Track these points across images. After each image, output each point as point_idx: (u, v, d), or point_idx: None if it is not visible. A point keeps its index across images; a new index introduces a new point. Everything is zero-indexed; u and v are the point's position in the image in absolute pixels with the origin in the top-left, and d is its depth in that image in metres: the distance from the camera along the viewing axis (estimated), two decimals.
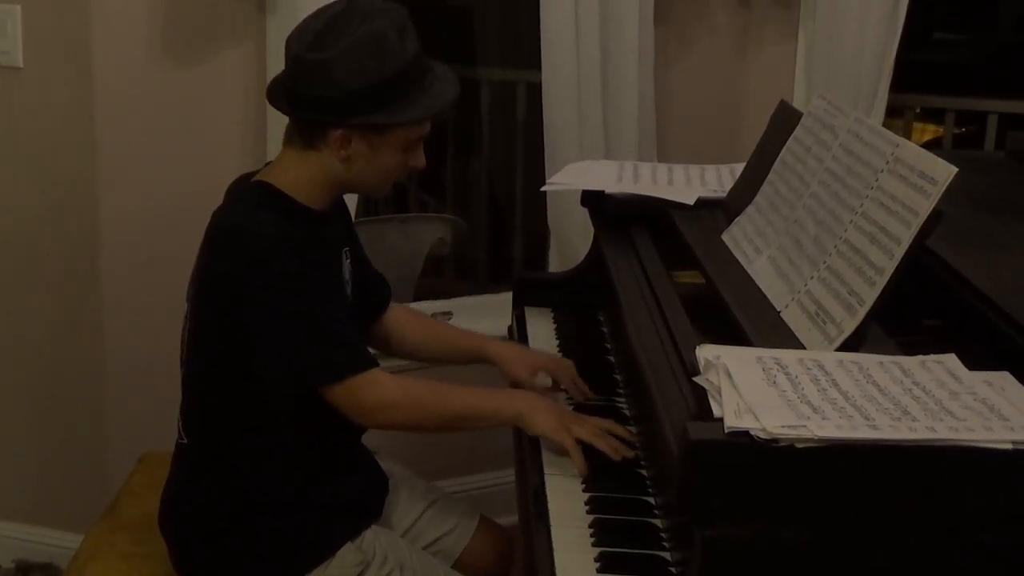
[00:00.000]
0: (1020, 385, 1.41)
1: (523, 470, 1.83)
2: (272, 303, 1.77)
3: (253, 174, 1.94)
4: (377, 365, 1.83)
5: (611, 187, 2.31)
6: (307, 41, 1.80)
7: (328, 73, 1.78)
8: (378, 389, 1.81)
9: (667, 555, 1.52)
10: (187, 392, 1.94)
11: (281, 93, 1.87)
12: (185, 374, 1.94)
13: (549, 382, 2.06)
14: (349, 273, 2.00)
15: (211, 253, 1.84)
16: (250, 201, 1.85)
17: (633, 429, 1.83)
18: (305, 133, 1.85)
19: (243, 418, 1.86)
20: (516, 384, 2.06)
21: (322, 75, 1.78)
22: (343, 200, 2.02)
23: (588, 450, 1.76)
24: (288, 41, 1.83)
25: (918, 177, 1.52)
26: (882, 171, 1.61)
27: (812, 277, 1.64)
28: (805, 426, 1.26)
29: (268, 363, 1.80)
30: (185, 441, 1.95)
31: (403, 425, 1.91)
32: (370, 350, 1.90)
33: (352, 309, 1.98)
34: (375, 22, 1.79)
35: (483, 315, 2.93)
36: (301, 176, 1.86)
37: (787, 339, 1.58)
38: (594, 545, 1.56)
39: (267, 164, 1.95)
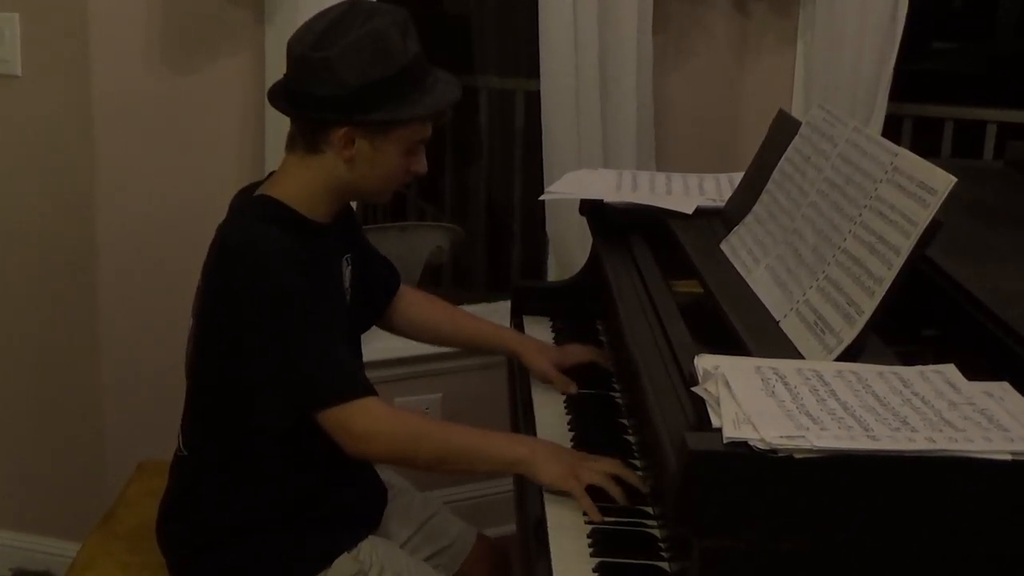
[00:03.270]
0: (1019, 395, 1.40)
1: (521, 481, 1.82)
2: (271, 322, 1.76)
3: (256, 186, 1.93)
4: (374, 394, 1.80)
5: (610, 196, 2.31)
6: (309, 42, 1.80)
7: (331, 71, 1.77)
8: (370, 417, 1.78)
9: (666, 565, 1.52)
10: (189, 404, 1.94)
11: (282, 94, 1.86)
12: (188, 387, 1.93)
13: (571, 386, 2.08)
14: (349, 281, 1.99)
15: (214, 268, 1.83)
16: (253, 216, 1.84)
17: (640, 469, 1.80)
18: (307, 135, 1.84)
19: (243, 431, 1.85)
20: (537, 376, 2.11)
21: (325, 73, 1.78)
22: (349, 204, 2.01)
23: None
24: (289, 43, 1.82)
25: (917, 187, 1.52)
26: (881, 181, 1.61)
27: (811, 287, 1.64)
28: (804, 436, 1.26)
29: (263, 382, 1.78)
30: (184, 453, 1.94)
31: (395, 457, 1.87)
32: (368, 380, 1.86)
33: (357, 310, 1.99)
34: (377, 21, 1.80)
35: None
36: (304, 185, 1.85)
37: (786, 349, 1.58)
38: (592, 555, 1.56)
39: (269, 175, 1.94)
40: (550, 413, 2.02)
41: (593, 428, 1.92)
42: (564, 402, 2.06)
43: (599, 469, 1.70)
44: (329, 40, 1.79)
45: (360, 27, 1.79)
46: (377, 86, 1.79)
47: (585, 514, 1.65)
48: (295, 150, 1.87)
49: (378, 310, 2.17)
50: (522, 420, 2.05)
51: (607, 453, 1.77)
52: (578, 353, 2.15)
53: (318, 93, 1.79)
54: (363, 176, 1.85)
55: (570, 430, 1.95)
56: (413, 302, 2.22)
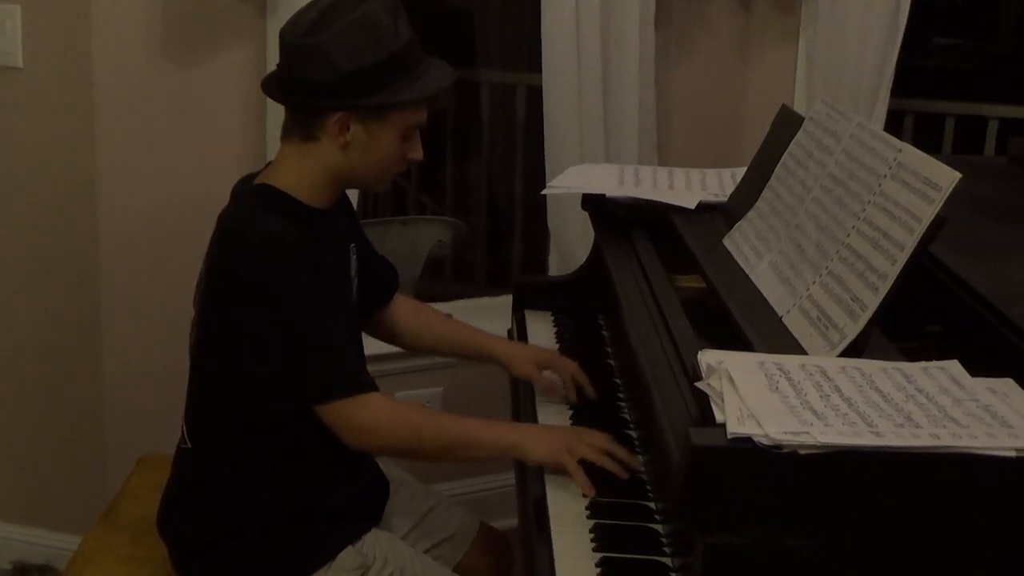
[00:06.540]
0: (1023, 392, 1.40)
1: (523, 474, 1.83)
2: (272, 314, 1.75)
3: (255, 175, 1.93)
4: (375, 388, 1.81)
5: (612, 191, 2.31)
6: (301, 30, 1.80)
7: (323, 56, 1.77)
8: (371, 411, 1.79)
9: (668, 560, 1.52)
10: (192, 396, 1.94)
11: (275, 83, 1.86)
12: (191, 379, 1.93)
13: (556, 378, 2.05)
14: (356, 270, 1.99)
15: (215, 257, 1.83)
16: (254, 204, 1.84)
17: (638, 449, 1.81)
18: (302, 122, 1.84)
19: (246, 424, 1.85)
20: (522, 379, 2.09)
21: (317, 59, 1.78)
22: (347, 196, 2.01)
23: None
24: (281, 32, 1.83)
25: (921, 183, 1.52)
26: (885, 176, 1.60)
27: (814, 282, 1.64)
28: (808, 432, 1.26)
29: (261, 374, 1.78)
30: (188, 445, 1.94)
31: (395, 449, 1.89)
32: (369, 373, 1.86)
33: (358, 303, 1.99)
34: (367, 6, 1.80)
35: (483, 318, 2.92)
36: (302, 172, 1.85)
37: (789, 344, 1.58)
38: (595, 550, 1.56)
39: (267, 164, 1.94)
40: (552, 410, 2.01)
41: (595, 423, 1.91)
42: (566, 398, 2.05)
43: (592, 443, 1.74)
44: (320, 27, 1.79)
45: (351, 12, 1.79)
46: (369, 71, 1.79)
47: (588, 508, 1.65)
48: (291, 138, 1.87)
49: (372, 309, 2.14)
50: (523, 415, 2.04)
51: None
52: (567, 366, 2.07)
53: (310, 79, 1.79)
54: (359, 162, 1.85)
55: (572, 425, 1.94)
56: (399, 308, 2.20)
